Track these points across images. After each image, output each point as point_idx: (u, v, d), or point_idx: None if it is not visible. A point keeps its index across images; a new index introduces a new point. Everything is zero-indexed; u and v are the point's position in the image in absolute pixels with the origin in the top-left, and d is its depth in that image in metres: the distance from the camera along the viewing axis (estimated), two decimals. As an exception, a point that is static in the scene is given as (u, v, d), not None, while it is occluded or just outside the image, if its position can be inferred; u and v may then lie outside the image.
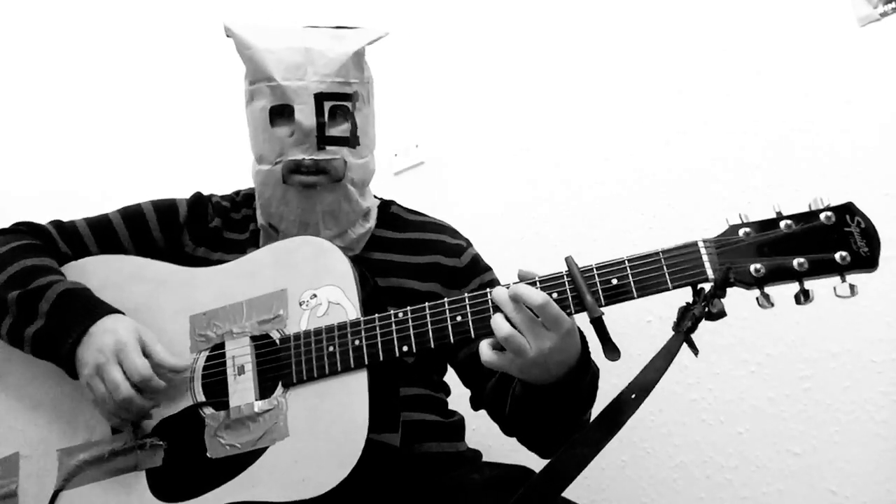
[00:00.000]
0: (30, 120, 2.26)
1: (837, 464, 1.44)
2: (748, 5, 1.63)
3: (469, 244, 1.39)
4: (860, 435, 1.43)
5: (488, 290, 1.04)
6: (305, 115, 1.22)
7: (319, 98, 1.23)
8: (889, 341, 1.42)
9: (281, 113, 1.25)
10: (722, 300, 0.95)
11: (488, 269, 1.37)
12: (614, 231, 1.74)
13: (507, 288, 1.01)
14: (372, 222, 1.35)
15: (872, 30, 1.49)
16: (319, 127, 1.23)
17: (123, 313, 1.15)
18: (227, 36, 1.29)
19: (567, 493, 1.02)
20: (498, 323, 0.99)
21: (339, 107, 1.25)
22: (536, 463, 1.20)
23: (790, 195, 1.54)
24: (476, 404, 1.31)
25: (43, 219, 1.34)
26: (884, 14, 1.48)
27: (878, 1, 1.48)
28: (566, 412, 1.11)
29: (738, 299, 1.02)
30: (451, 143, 2.03)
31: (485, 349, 1.02)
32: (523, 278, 1.03)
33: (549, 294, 1.00)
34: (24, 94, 2.27)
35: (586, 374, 1.08)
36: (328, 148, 1.24)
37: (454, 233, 1.40)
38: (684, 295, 0.99)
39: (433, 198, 1.97)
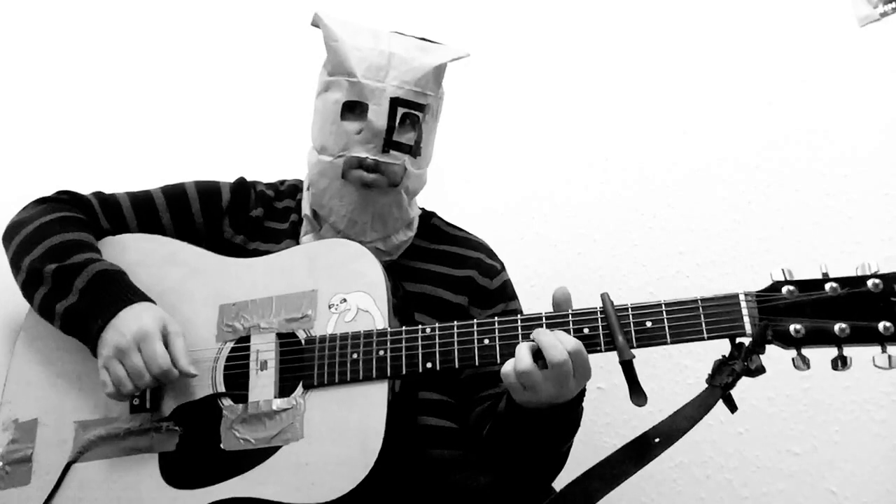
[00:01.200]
0: (27, 121, 2.23)
1: (837, 464, 1.44)
2: (748, 6, 1.63)
3: (503, 268, 1.39)
4: (860, 435, 1.43)
5: (518, 317, 1.04)
6: (378, 115, 1.23)
7: (394, 103, 1.23)
8: (889, 341, 1.42)
9: (352, 109, 1.25)
10: (761, 356, 0.94)
11: (514, 297, 1.37)
12: (614, 231, 1.74)
13: (543, 323, 1.01)
14: (413, 231, 1.36)
15: (872, 30, 1.49)
16: (388, 130, 1.23)
17: (155, 302, 1.15)
18: (314, 24, 1.30)
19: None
20: (521, 354, 0.98)
21: (410, 115, 1.26)
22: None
23: (790, 195, 1.54)
24: (457, 416, 1.29)
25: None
26: (884, 14, 1.48)
27: (878, 1, 1.48)
28: (550, 440, 1.11)
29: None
30: (450, 143, 2.03)
31: (508, 369, 1.00)
32: (559, 301, 1.03)
33: (581, 329, 1.00)
34: (26, 93, 2.25)
35: (580, 404, 1.08)
36: (392, 152, 1.24)
37: (491, 253, 1.40)
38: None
39: (433, 198, 1.97)
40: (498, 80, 1.97)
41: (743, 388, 1.55)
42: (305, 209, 1.33)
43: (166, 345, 1.09)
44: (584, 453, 1.14)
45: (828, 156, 1.51)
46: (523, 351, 0.98)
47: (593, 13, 1.85)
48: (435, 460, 1.22)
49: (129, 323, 1.09)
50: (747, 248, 1.58)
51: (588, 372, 1.00)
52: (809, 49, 1.55)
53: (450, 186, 2.00)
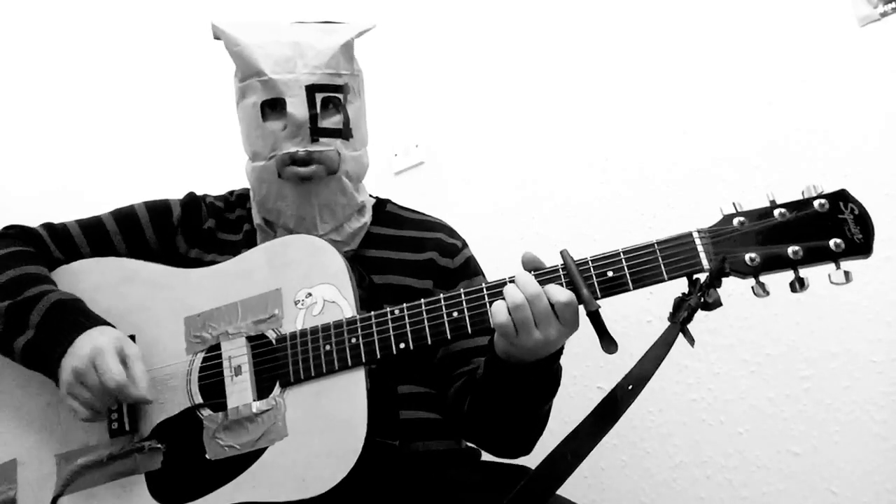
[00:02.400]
0: (25, 120, 2.26)
1: (837, 464, 1.44)
2: (748, 5, 1.63)
3: (464, 245, 1.38)
4: (860, 435, 1.43)
5: (484, 285, 1.04)
6: (297, 107, 1.22)
7: (311, 90, 1.23)
8: (889, 341, 1.42)
9: (273, 107, 1.25)
10: (718, 290, 0.96)
11: (478, 273, 1.37)
12: (614, 231, 1.74)
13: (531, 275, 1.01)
14: (367, 218, 1.35)
15: (872, 30, 1.49)
16: (312, 119, 1.23)
17: (113, 326, 1.14)
18: (216, 37, 1.29)
19: (567, 493, 1.02)
20: (510, 292, 0.99)
21: (331, 98, 1.25)
22: (535, 462, 1.20)
23: (790, 195, 1.54)
24: (440, 407, 1.29)
25: (36, 219, 1.33)
26: (884, 14, 1.48)
27: (878, 1, 1.48)
28: (531, 398, 1.11)
29: (738, 299, 1.02)
30: (451, 143, 2.03)
31: (499, 307, 1.00)
32: (528, 263, 1.03)
33: (544, 287, 1.00)
34: (19, 94, 2.28)
35: (557, 360, 1.09)
36: (321, 140, 1.24)
37: (451, 232, 1.39)
38: (683, 288, 0.99)
39: (433, 198, 1.97)
40: (498, 80, 1.98)
41: (743, 389, 1.57)
42: (256, 219, 1.32)
43: (125, 367, 1.08)
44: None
45: (828, 156, 1.51)
46: (514, 290, 0.99)
47: (594, 13, 1.84)
48: (427, 454, 1.23)
49: (83, 346, 1.08)
50: (747, 248, 1.57)
51: (574, 324, 1.00)
52: (809, 49, 1.55)
53: (450, 186, 2.01)
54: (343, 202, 1.29)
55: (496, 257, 1.44)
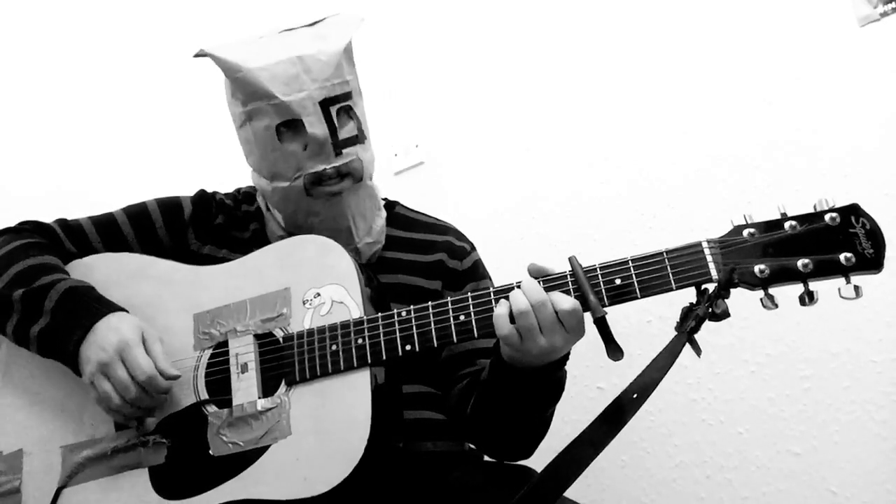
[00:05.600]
0: (32, 120, 2.25)
1: (837, 464, 1.44)
2: (748, 6, 1.63)
3: (473, 248, 1.39)
4: (860, 435, 1.43)
5: (491, 289, 1.04)
6: (315, 126, 1.20)
7: (325, 104, 1.21)
8: (889, 341, 1.42)
9: (288, 127, 1.22)
10: (726, 301, 0.95)
11: (485, 276, 1.37)
12: (614, 231, 1.74)
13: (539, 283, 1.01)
14: (384, 212, 1.35)
15: (872, 30, 1.49)
16: (332, 133, 1.21)
17: (127, 311, 1.14)
18: (214, 62, 1.24)
19: (567, 493, 1.02)
20: (516, 299, 0.99)
21: (344, 107, 1.24)
22: (537, 463, 1.20)
23: (790, 195, 1.53)
24: (444, 408, 1.29)
25: (47, 218, 1.33)
26: (884, 14, 1.48)
27: (878, 1, 1.48)
28: (535, 402, 1.11)
29: (738, 299, 1.02)
30: (451, 143, 2.03)
31: (502, 318, 1.00)
32: (535, 272, 1.03)
33: (550, 294, 1.00)
34: (26, 93, 2.27)
35: (563, 366, 1.09)
36: (343, 151, 1.23)
37: (460, 235, 1.40)
38: (686, 294, 0.99)
39: (433, 198, 1.97)
40: (499, 80, 1.98)
41: (743, 389, 1.57)
42: (278, 231, 1.31)
43: (146, 352, 1.08)
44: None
45: (828, 156, 1.51)
46: (520, 296, 0.99)
47: (594, 13, 1.84)
48: (430, 454, 1.23)
49: (107, 335, 1.08)
50: (747, 248, 1.57)
51: (580, 330, 1.00)
52: (809, 49, 1.55)
53: (450, 187, 2.01)
54: (370, 204, 1.30)
55: (497, 257, 1.44)
